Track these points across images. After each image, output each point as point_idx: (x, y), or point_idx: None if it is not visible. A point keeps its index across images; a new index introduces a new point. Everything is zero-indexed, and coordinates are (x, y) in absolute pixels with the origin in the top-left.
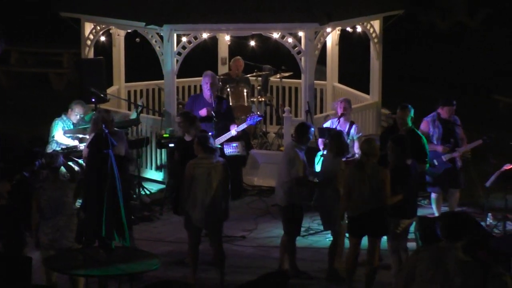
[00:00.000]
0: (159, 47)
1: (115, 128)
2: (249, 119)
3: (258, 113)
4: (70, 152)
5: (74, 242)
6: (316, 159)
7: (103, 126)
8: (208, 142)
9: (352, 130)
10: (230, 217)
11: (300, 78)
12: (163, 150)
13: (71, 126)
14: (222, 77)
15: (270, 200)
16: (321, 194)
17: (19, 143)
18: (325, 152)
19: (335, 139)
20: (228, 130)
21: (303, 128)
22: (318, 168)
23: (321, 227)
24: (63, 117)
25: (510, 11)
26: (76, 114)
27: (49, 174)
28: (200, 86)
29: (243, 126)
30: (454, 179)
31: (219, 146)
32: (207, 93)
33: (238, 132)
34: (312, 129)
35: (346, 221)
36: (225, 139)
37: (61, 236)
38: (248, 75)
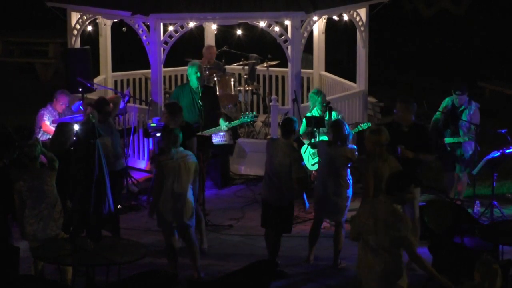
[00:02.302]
0: (145, 36)
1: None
2: (243, 117)
3: (254, 113)
4: None
5: (59, 231)
6: (302, 150)
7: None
8: (173, 136)
9: (334, 115)
10: (215, 206)
11: (286, 67)
12: (150, 139)
13: (57, 116)
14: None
15: (257, 188)
16: (324, 184)
17: (4, 132)
18: (312, 141)
19: (338, 128)
20: (216, 119)
21: (291, 123)
22: (306, 159)
23: (309, 216)
24: (49, 107)
25: None
26: (61, 104)
27: (28, 164)
28: (187, 75)
29: (236, 123)
30: (449, 163)
31: (208, 135)
32: (194, 82)
33: (229, 128)
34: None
35: None
36: (215, 132)
37: (45, 226)
38: (235, 64)
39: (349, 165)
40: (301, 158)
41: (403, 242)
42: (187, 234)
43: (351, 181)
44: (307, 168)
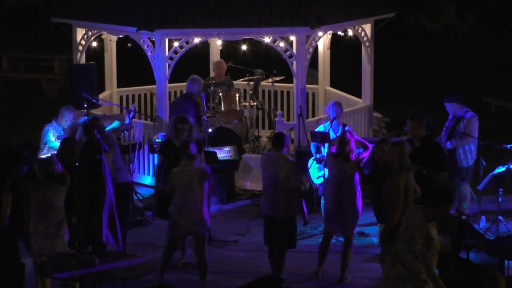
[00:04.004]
0: (150, 52)
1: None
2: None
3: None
4: None
5: (66, 247)
6: (309, 164)
7: (95, 131)
8: (187, 148)
9: None
10: (220, 222)
11: (291, 82)
12: (155, 155)
13: (62, 132)
14: (208, 82)
15: None
16: (333, 197)
17: (10, 148)
18: (318, 156)
19: (342, 143)
20: None
21: (281, 136)
22: (312, 173)
23: (314, 231)
24: (54, 123)
25: (499, 13)
26: (66, 120)
27: (40, 177)
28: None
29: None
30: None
31: (212, 151)
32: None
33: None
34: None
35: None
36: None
37: (52, 242)
38: (240, 80)
39: (356, 174)
40: (297, 168)
41: (419, 256)
42: (200, 245)
43: (359, 194)
44: (312, 181)
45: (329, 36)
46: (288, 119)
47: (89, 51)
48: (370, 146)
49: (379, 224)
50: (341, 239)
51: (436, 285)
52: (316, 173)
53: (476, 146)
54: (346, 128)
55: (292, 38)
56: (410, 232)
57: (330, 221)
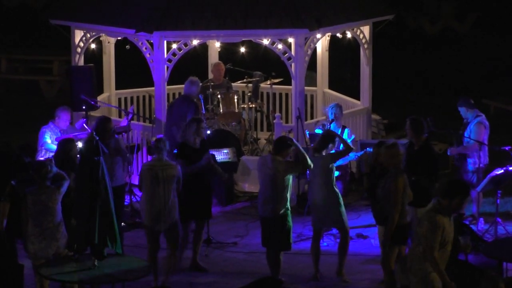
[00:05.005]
0: (149, 54)
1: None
2: None
3: None
4: None
5: (62, 250)
6: None
7: (94, 133)
8: (164, 143)
9: (345, 135)
10: (220, 224)
11: (290, 84)
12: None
13: (59, 134)
14: (206, 84)
15: None
16: (315, 192)
17: (10, 150)
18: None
19: (325, 140)
20: None
21: (281, 142)
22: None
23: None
24: (51, 125)
25: (498, 15)
26: (64, 120)
27: (37, 180)
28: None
29: None
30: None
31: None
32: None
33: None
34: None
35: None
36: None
37: (47, 245)
38: (239, 82)
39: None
40: (291, 163)
41: (421, 239)
42: (169, 241)
43: (340, 188)
44: None
45: (328, 38)
46: (287, 121)
47: (88, 53)
48: (355, 154)
49: (378, 226)
50: (339, 240)
51: (435, 269)
52: None
53: (486, 150)
54: (346, 130)
55: (291, 40)
56: (419, 221)
57: (316, 217)
